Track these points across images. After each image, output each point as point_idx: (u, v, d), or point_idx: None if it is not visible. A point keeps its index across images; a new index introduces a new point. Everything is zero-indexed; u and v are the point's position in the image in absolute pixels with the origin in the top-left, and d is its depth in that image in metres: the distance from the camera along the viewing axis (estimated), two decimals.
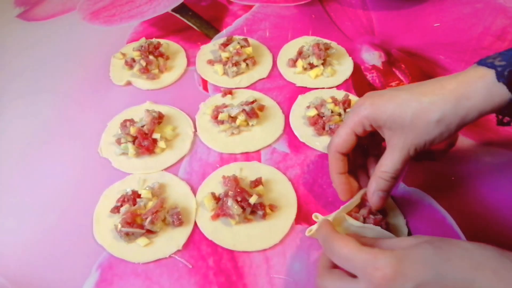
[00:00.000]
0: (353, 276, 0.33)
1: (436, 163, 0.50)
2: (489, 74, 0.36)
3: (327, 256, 0.37)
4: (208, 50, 0.66)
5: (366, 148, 0.45)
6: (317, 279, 0.36)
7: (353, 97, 0.57)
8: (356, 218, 0.41)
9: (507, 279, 0.29)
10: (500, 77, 0.35)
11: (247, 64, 0.62)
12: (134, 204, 0.45)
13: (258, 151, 0.53)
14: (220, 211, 0.45)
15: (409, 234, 0.44)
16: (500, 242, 0.44)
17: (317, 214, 0.42)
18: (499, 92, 0.35)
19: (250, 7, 0.74)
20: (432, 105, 0.36)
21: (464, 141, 0.53)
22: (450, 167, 0.50)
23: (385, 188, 0.40)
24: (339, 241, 0.35)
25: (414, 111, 0.37)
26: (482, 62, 0.38)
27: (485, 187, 0.48)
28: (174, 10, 0.74)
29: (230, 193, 0.45)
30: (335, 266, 0.36)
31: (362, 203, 0.44)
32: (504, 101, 0.35)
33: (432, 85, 0.38)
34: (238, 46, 0.61)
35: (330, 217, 0.40)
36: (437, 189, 0.47)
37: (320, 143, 0.53)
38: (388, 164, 0.39)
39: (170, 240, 0.44)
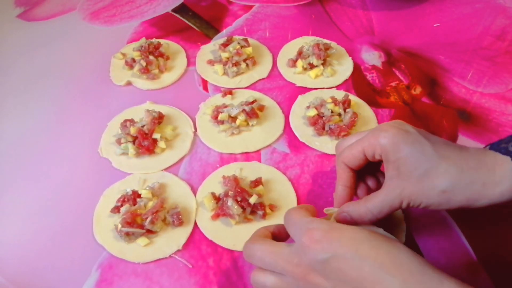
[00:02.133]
0: None
1: None
2: (506, 163, 0.34)
3: (266, 229, 0.38)
4: (208, 50, 0.66)
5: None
6: (246, 243, 0.36)
7: (353, 97, 0.57)
8: None
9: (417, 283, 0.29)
10: None
11: (247, 64, 0.62)
12: (134, 204, 0.45)
13: (258, 151, 0.53)
14: (220, 211, 0.45)
15: (407, 232, 0.44)
16: (499, 242, 0.44)
17: (328, 209, 0.41)
18: None
19: (250, 7, 0.74)
20: (447, 172, 0.35)
21: (464, 141, 0.53)
22: None
23: (355, 219, 0.38)
24: (293, 210, 0.36)
25: (428, 169, 0.35)
26: (494, 147, 0.36)
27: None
28: (174, 10, 0.74)
29: (230, 193, 0.45)
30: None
31: None
32: None
33: (458, 154, 0.36)
34: (238, 46, 0.61)
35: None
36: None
37: (320, 143, 0.53)
38: (376, 203, 0.37)
39: (170, 240, 0.44)
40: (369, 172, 0.43)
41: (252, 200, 0.44)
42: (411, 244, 0.44)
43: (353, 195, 0.41)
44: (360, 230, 0.32)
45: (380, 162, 0.40)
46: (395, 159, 0.36)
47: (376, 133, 0.37)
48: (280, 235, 0.38)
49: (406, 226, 0.44)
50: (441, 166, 0.35)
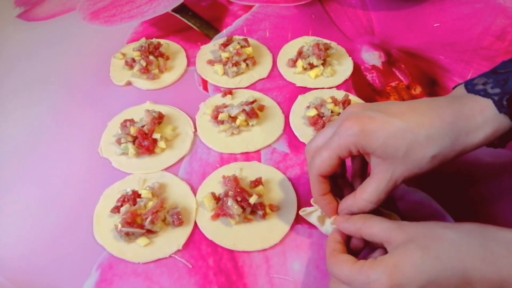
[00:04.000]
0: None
1: None
2: (488, 107, 0.34)
3: (333, 240, 0.38)
4: (208, 50, 0.66)
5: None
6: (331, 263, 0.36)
7: (353, 97, 0.57)
8: None
9: (494, 263, 0.30)
10: (500, 107, 0.33)
11: (247, 64, 0.62)
12: (134, 204, 0.45)
13: (258, 151, 0.53)
14: (220, 211, 0.45)
15: None
16: None
17: (305, 209, 0.42)
18: (500, 124, 0.34)
19: (250, 7, 0.74)
20: (430, 139, 0.34)
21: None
22: (451, 168, 0.50)
23: (359, 213, 0.38)
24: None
25: (409, 143, 0.34)
26: (471, 89, 0.35)
27: (485, 187, 0.48)
28: (174, 10, 0.74)
29: (230, 193, 0.45)
30: (343, 250, 0.37)
31: None
32: (504, 130, 0.34)
33: (429, 114, 0.35)
34: (238, 46, 0.61)
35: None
36: (437, 189, 0.47)
37: None
38: (371, 192, 0.36)
39: (170, 240, 0.44)
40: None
41: (252, 200, 0.44)
42: None
43: (334, 199, 0.40)
44: (409, 251, 0.32)
45: None
46: (372, 150, 0.35)
47: (343, 135, 0.36)
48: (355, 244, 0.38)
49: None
50: (420, 135, 0.34)
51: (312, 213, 0.42)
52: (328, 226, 0.42)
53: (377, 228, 0.35)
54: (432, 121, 0.34)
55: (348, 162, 0.43)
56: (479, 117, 0.34)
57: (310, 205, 0.42)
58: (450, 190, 0.48)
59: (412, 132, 0.34)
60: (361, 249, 0.38)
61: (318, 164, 0.38)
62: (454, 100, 0.36)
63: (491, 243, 0.31)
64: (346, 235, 0.38)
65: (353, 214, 0.38)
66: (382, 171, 0.36)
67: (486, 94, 0.34)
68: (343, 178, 0.43)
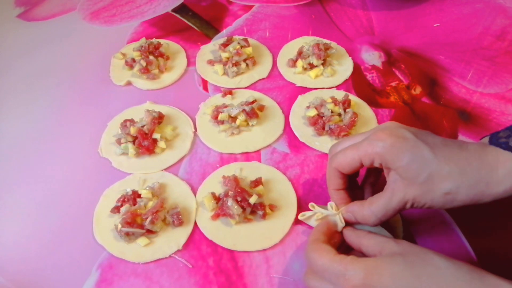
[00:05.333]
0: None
1: None
2: (509, 160, 0.34)
3: (318, 231, 0.38)
4: (208, 50, 0.66)
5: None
6: (309, 249, 0.36)
7: (353, 97, 0.57)
8: None
9: None
10: None
11: (247, 64, 0.62)
12: (134, 204, 0.45)
13: (258, 151, 0.53)
14: (220, 211, 0.45)
15: (406, 230, 0.44)
16: (499, 242, 0.44)
17: (313, 204, 0.42)
18: None
19: (250, 7, 0.74)
20: (450, 175, 0.34)
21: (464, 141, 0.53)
22: None
23: (360, 221, 0.39)
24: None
25: (431, 173, 0.35)
26: (494, 141, 0.36)
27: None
28: (174, 10, 0.74)
29: (230, 193, 0.45)
30: (325, 242, 0.37)
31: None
32: None
33: (457, 154, 0.35)
34: (238, 46, 0.61)
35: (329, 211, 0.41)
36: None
37: (320, 143, 0.53)
38: (379, 206, 0.37)
39: (170, 240, 0.44)
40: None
41: (252, 200, 0.44)
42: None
43: (348, 196, 0.41)
44: (394, 261, 0.32)
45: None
46: (395, 167, 0.36)
47: (373, 143, 0.37)
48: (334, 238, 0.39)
49: (404, 225, 0.45)
50: (444, 169, 0.35)
51: (312, 217, 0.42)
52: None
53: (374, 240, 0.36)
54: (459, 160, 0.35)
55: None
56: (501, 170, 0.34)
57: (308, 208, 0.42)
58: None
59: (437, 163, 0.35)
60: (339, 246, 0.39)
61: (340, 159, 0.39)
62: (482, 148, 0.36)
63: (478, 281, 0.30)
64: (332, 231, 0.39)
65: (355, 220, 0.39)
66: (396, 189, 0.36)
67: (508, 148, 0.35)
68: (372, 187, 0.44)
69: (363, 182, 0.44)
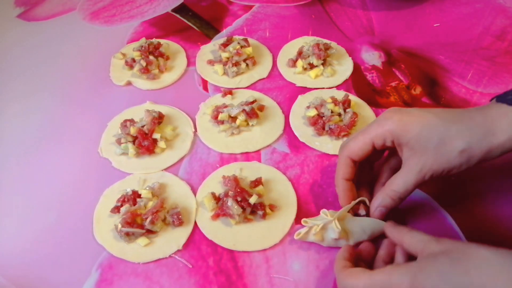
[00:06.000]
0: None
1: None
2: (510, 111, 0.36)
3: (341, 259, 0.38)
4: (208, 50, 0.66)
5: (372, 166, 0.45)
6: (341, 277, 0.36)
7: (353, 97, 0.57)
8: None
9: None
10: None
11: (247, 64, 0.62)
12: (134, 204, 0.45)
13: (258, 151, 0.53)
14: (220, 211, 0.45)
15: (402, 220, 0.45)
16: (499, 242, 0.44)
17: (306, 219, 0.42)
18: None
19: (250, 7, 0.74)
20: (459, 133, 0.36)
21: None
22: None
23: (389, 206, 0.40)
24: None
25: (441, 136, 0.36)
26: (501, 99, 0.38)
27: (486, 188, 0.48)
28: (174, 10, 0.74)
29: (230, 193, 0.45)
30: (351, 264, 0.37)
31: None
32: None
33: (460, 114, 0.38)
34: (238, 46, 0.61)
35: (333, 215, 0.41)
36: (438, 190, 0.47)
37: (320, 143, 0.53)
38: (400, 183, 0.39)
39: (170, 240, 0.44)
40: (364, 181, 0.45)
41: (252, 200, 0.44)
42: None
43: (354, 188, 0.42)
44: (438, 261, 0.32)
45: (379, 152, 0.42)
46: (407, 140, 0.38)
47: (381, 123, 0.39)
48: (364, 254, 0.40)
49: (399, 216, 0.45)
50: (452, 129, 0.37)
51: (309, 233, 0.42)
52: (329, 238, 0.42)
53: (417, 238, 0.36)
54: (463, 119, 0.37)
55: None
56: (504, 120, 0.36)
57: (310, 205, 0.42)
58: (450, 190, 0.48)
59: (444, 126, 0.37)
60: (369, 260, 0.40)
61: (351, 145, 0.41)
62: (484, 107, 0.38)
63: None
64: (354, 254, 0.39)
65: (386, 210, 0.40)
66: (412, 164, 0.38)
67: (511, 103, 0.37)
68: (366, 186, 0.45)
69: (382, 171, 0.44)
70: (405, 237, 0.37)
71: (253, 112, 0.53)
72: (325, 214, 0.41)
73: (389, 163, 0.44)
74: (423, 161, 0.37)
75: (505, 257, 0.31)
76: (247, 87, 0.60)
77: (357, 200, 0.42)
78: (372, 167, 0.45)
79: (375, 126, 0.40)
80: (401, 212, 0.46)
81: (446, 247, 0.33)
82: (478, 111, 0.38)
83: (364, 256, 0.40)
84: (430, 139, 0.37)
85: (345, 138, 0.52)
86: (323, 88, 0.60)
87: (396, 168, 0.42)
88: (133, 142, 0.51)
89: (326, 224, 0.41)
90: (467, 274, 0.30)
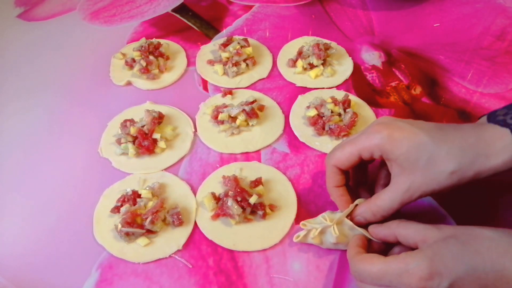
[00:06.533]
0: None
1: None
2: (506, 135, 0.35)
3: (354, 246, 0.38)
4: (208, 50, 0.66)
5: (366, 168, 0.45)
6: (355, 263, 0.36)
7: (353, 97, 0.57)
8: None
9: None
10: None
11: (247, 64, 0.62)
12: (134, 204, 0.45)
13: (258, 151, 0.53)
14: (220, 211, 0.45)
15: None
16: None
17: (305, 222, 0.42)
18: None
19: (250, 7, 0.74)
20: (450, 154, 0.35)
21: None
22: None
23: (369, 219, 0.39)
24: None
25: (431, 156, 0.35)
26: (493, 119, 0.37)
27: (486, 188, 0.48)
28: (174, 10, 0.74)
29: (230, 193, 0.45)
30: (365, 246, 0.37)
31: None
32: None
33: (453, 134, 0.37)
34: (238, 46, 0.61)
35: (333, 218, 0.41)
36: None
37: (320, 143, 0.53)
38: (385, 199, 0.38)
39: (170, 240, 0.44)
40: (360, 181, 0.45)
41: (252, 200, 0.44)
42: None
43: (347, 192, 0.42)
44: (449, 244, 0.32)
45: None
46: (395, 157, 0.37)
47: (370, 136, 0.38)
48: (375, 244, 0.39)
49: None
50: (442, 149, 0.35)
51: (307, 236, 0.42)
52: (328, 242, 0.42)
53: (412, 229, 0.36)
54: (455, 140, 0.36)
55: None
56: (498, 143, 0.35)
57: (310, 205, 0.42)
58: (450, 190, 0.48)
59: (434, 145, 0.36)
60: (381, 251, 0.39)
61: (337, 155, 0.40)
62: (477, 126, 0.37)
63: None
64: (365, 243, 0.39)
65: (365, 220, 0.40)
66: (400, 182, 0.37)
67: (505, 124, 0.36)
68: (364, 186, 0.45)
69: (376, 186, 0.44)
70: (397, 230, 0.37)
71: (253, 112, 0.53)
72: (324, 219, 0.41)
73: (381, 175, 0.43)
74: (411, 180, 0.36)
75: (508, 236, 0.32)
76: (247, 87, 0.60)
77: (355, 204, 0.41)
78: (367, 168, 0.45)
79: (363, 139, 0.38)
80: (400, 212, 0.46)
81: (451, 231, 0.33)
82: (471, 132, 0.37)
83: (375, 248, 0.40)
84: (419, 159, 0.36)
85: (345, 138, 0.52)
86: (323, 88, 0.60)
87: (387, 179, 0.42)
88: (133, 142, 0.51)
89: (325, 228, 0.41)
90: (478, 254, 0.31)
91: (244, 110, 0.53)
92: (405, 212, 0.45)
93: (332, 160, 0.41)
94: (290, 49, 0.65)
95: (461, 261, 0.31)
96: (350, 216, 0.41)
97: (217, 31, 0.70)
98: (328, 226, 0.41)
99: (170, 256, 0.43)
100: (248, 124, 0.54)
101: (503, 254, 0.31)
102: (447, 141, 0.36)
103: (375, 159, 0.40)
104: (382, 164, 0.43)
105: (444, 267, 0.31)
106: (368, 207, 0.39)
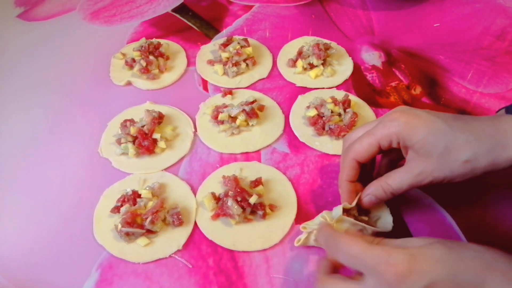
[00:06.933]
0: (356, 278, 0.33)
1: None
2: None
3: (327, 261, 0.36)
4: (208, 50, 0.66)
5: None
6: (317, 285, 0.35)
7: (353, 97, 0.57)
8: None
9: None
10: None
11: (247, 64, 0.62)
12: (134, 204, 0.45)
13: (258, 151, 0.53)
14: (220, 211, 0.45)
15: (404, 233, 0.44)
16: (499, 242, 0.44)
17: (304, 224, 0.42)
18: None
19: (250, 7, 0.74)
20: (467, 143, 0.35)
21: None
22: None
23: (379, 197, 0.40)
24: (346, 240, 0.34)
25: (447, 144, 0.36)
26: (510, 111, 0.38)
27: (486, 188, 0.48)
28: (174, 10, 0.74)
29: (230, 193, 0.45)
30: (334, 272, 0.36)
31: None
32: None
33: (470, 123, 0.37)
34: (238, 46, 0.61)
35: (332, 217, 0.41)
36: (438, 190, 0.47)
37: (320, 143, 0.53)
38: (396, 179, 0.38)
39: (170, 240, 0.44)
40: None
41: (252, 200, 0.44)
42: (401, 226, 0.45)
43: (356, 187, 0.42)
44: (435, 247, 0.32)
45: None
46: (412, 143, 0.37)
47: (387, 124, 0.38)
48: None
49: (397, 215, 0.45)
50: (459, 138, 0.36)
51: (308, 238, 0.42)
52: None
53: (399, 240, 0.35)
54: (472, 129, 0.36)
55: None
56: None
57: (310, 205, 0.42)
58: (450, 190, 0.48)
59: (452, 133, 0.36)
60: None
61: (357, 148, 0.40)
62: (496, 117, 0.37)
63: None
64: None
65: (376, 199, 0.40)
66: (413, 165, 0.37)
67: None
68: (370, 175, 0.45)
69: (377, 173, 0.44)
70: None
71: (253, 112, 0.53)
72: (324, 218, 0.41)
73: (390, 156, 0.44)
74: (424, 166, 0.37)
75: (492, 252, 0.31)
76: (247, 87, 0.60)
77: (355, 202, 0.41)
78: (374, 164, 0.45)
79: (381, 128, 0.39)
80: (400, 213, 0.46)
81: (437, 240, 0.33)
82: (489, 122, 0.37)
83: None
84: (436, 146, 0.36)
85: None
86: (323, 88, 0.60)
87: (395, 161, 0.43)
88: (133, 142, 0.51)
89: None
90: (462, 261, 0.31)
91: (244, 110, 0.53)
92: (402, 209, 0.46)
93: (351, 154, 0.40)
94: (290, 49, 0.65)
95: (443, 265, 0.30)
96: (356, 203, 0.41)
97: (217, 31, 0.70)
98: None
99: (170, 256, 0.43)
100: (248, 124, 0.54)
101: (486, 268, 0.30)
102: (465, 130, 0.36)
103: (393, 148, 0.40)
104: (385, 154, 0.44)
105: (425, 267, 0.30)
106: (379, 185, 0.39)
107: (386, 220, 0.42)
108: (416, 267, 0.30)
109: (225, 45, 0.62)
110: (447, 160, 0.36)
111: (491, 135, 0.36)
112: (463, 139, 0.36)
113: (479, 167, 0.36)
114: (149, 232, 0.44)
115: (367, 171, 0.45)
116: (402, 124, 0.37)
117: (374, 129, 0.39)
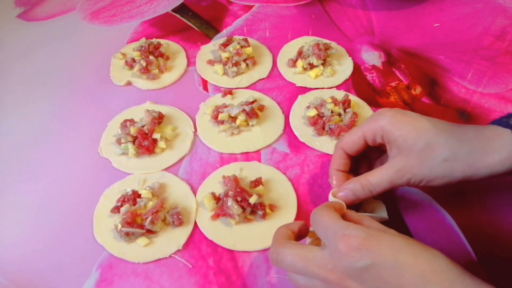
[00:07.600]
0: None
1: None
2: (506, 134, 0.36)
3: (285, 228, 0.37)
4: (208, 50, 0.66)
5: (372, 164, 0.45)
6: (273, 248, 0.35)
7: (353, 97, 0.57)
8: None
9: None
10: None
11: (247, 64, 0.62)
12: (134, 204, 0.45)
13: (258, 151, 0.53)
14: (220, 211, 0.45)
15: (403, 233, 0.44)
16: (499, 242, 0.44)
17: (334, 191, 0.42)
18: None
19: (250, 7, 0.74)
20: (447, 143, 0.36)
21: None
22: None
23: (357, 193, 0.40)
24: (323, 211, 0.35)
25: (428, 141, 0.36)
26: (496, 122, 0.38)
27: (486, 188, 0.48)
28: (174, 10, 0.74)
29: (230, 193, 0.45)
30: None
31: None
32: None
33: (454, 127, 0.38)
34: (238, 46, 0.61)
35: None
36: (438, 190, 0.47)
37: (320, 143, 0.53)
38: (375, 176, 0.39)
39: (170, 240, 0.44)
40: (363, 162, 0.45)
41: (252, 200, 0.44)
42: (401, 226, 0.45)
43: (347, 178, 0.42)
44: (397, 238, 0.32)
45: (377, 150, 0.42)
46: (395, 138, 0.38)
47: (375, 117, 0.40)
48: (301, 234, 0.38)
49: (394, 212, 0.45)
50: (441, 137, 0.36)
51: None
52: None
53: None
54: (455, 131, 0.37)
55: None
56: (497, 141, 0.36)
57: (310, 205, 0.42)
58: (450, 190, 0.48)
59: (434, 133, 0.37)
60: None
61: (345, 139, 0.42)
62: (481, 126, 0.39)
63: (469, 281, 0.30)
64: (341, 209, 0.38)
65: (352, 195, 0.40)
66: (394, 161, 0.38)
67: (507, 125, 0.37)
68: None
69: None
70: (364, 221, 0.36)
71: (253, 112, 0.53)
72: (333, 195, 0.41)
73: (382, 159, 0.44)
74: (405, 161, 0.37)
75: (452, 264, 0.30)
76: (247, 87, 0.60)
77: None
78: (372, 166, 0.45)
79: (369, 121, 0.40)
80: (400, 212, 0.46)
81: (406, 236, 0.33)
82: (473, 128, 0.38)
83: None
84: (417, 142, 0.37)
85: None
86: (323, 88, 0.60)
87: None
88: (133, 142, 0.51)
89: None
90: (414, 258, 0.30)
91: (244, 110, 0.53)
92: (402, 209, 0.46)
93: (340, 143, 0.42)
94: (290, 49, 0.65)
95: (395, 253, 0.30)
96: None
97: (217, 31, 0.70)
98: None
99: (170, 256, 0.43)
100: (248, 124, 0.54)
101: (439, 270, 0.30)
102: (447, 131, 0.37)
103: (380, 144, 0.40)
104: (378, 156, 0.44)
105: (376, 249, 0.30)
106: (358, 181, 0.40)
107: (380, 215, 0.42)
108: (366, 245, 0.31)
109: (225, 45, 0.62)
110: (427, 157, 0.36)
111: (472, 139, 0.36)
112: (445, 138, 0.36)
113: (457, 169, 0.36)
114: (149, 232, 0.44)
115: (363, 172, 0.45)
116: (387, 118, 0.39)
117: (364, 123, 0.41)
